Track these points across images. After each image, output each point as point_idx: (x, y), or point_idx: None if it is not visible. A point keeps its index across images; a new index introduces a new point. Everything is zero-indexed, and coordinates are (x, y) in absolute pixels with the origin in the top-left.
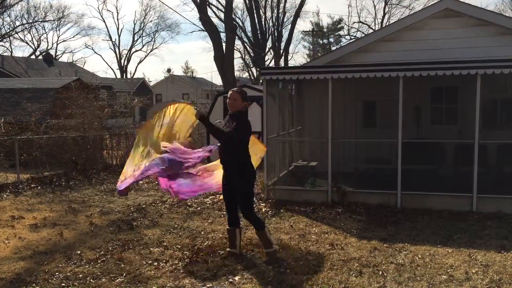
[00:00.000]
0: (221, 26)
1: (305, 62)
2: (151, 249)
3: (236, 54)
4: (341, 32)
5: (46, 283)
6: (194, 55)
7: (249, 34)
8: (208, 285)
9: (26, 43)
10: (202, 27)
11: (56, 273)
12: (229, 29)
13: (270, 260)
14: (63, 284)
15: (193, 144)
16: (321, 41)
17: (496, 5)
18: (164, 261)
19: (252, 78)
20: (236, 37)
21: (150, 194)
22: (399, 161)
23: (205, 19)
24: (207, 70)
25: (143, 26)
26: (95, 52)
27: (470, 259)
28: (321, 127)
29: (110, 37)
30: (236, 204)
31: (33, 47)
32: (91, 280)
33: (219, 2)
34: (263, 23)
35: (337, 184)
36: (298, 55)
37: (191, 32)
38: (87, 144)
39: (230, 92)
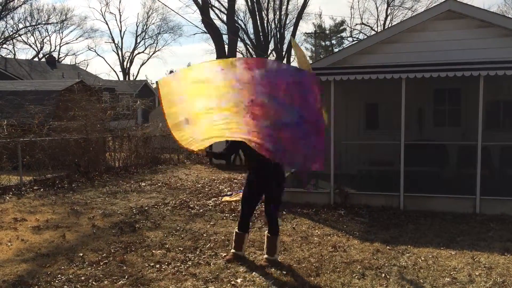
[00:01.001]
0: (223, 28)
1: None
2: (153, 251)
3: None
4: (344, 34)
5: (49, 286)
6: (196, 57)
7: (252, 36)
8: None
9: (29, 45)
10: (205, 29)
11: (59, 276)
12: (232, 31)
13: (265, 265)
14: (65, 287)
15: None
16: (323, 43)
17: (499, 6)
18: (166, 263)
19: None
20: (239, 39)
21: (153, 196)
22: (401, 163)
23: (207, 21)
24: None
25: (146, 29)
26: (97, 55)
27: (473, 262)
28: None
29: (113, 40)
30: (253, 211)
31: (36, 49)
32: (93, 283)
33: (222, 4)
34: (265, 25)
35: (339, 186)
36: None
37: (194, 34)
38: (89, 146)
39: None
